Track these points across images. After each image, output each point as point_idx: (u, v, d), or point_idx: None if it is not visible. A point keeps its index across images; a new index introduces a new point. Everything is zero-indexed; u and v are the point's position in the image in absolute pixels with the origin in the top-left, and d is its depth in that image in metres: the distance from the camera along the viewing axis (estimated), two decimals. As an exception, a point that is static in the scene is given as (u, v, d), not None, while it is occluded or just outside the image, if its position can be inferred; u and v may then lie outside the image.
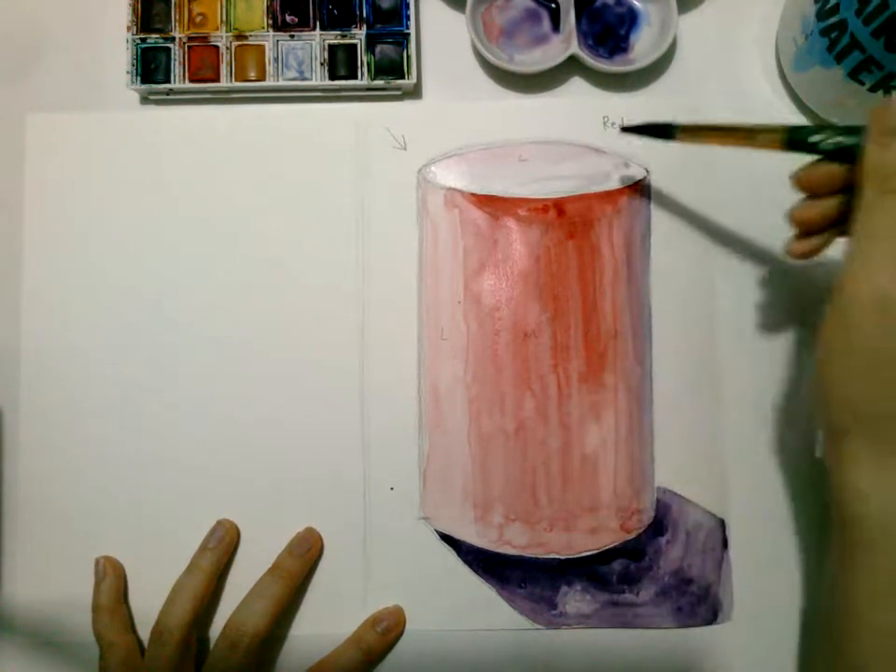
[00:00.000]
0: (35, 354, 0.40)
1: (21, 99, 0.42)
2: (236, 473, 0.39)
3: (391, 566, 0.38)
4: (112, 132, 0.41)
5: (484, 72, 0.42)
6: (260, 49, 0.41)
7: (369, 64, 0.41)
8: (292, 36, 0.41)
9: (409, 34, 0.41)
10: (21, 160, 0.41)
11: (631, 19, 0.42)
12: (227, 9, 0.41)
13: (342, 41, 0.41)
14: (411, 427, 0.39)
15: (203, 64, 0.41)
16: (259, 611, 0.36)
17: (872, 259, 0.28)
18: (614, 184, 0.40)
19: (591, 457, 0.38)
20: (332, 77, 0.41)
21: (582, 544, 0.38)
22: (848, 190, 0.30)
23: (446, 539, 0.39)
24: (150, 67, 0.41)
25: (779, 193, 0.32)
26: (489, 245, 0.39)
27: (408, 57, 0.41)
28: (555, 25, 0.42)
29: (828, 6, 0.35)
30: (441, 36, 0.42)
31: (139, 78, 0.41)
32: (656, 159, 0.40)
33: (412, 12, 0.41)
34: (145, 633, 0.38)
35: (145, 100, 0.42)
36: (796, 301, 0.40)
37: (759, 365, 0.39)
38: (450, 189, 0.40)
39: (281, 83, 0.41)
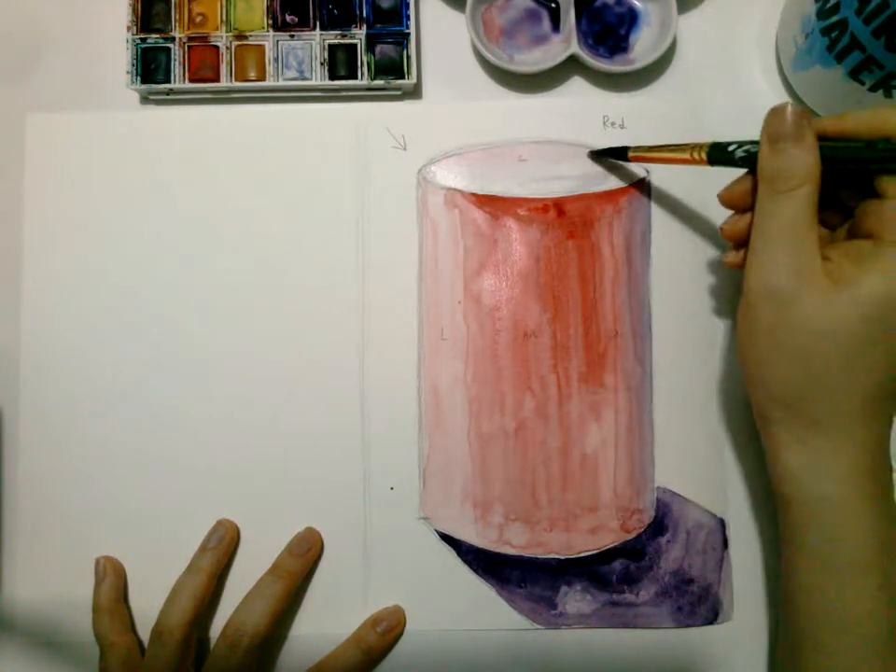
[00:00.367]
0: (35, 354, 0.40)
1: (21, 99, 0.42)
2: (236, 473, 0.39)
3: (391, 566, 0.38)
4: (112, 131, 0.41)
5: (484, 72, 0.42)
6: (260, 49, 0.41)
7: (369, 64, 0.41)
8: (292, 36, 0.41)
9: (409, 34, 0.41)
10: (21, 160, 0.41)
11: (631, 18, 0.42)
12: (227, 9, 0.41)
13: (342, 41, 0.41)
14: (411, 427, 0.39)
15: (203, 64, 0.41)
16: (260, 611, 0.36)
17: (763, 256, 0.30)
18: (614, 184, 0.40)
19: (591, 457, 0.38)
20: (332, 76, 0.41)
21: (582, 544, 0.38)
22: None
23: (446, 538, 0.39)
24: (150, 67, 0.41)
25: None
26: (489, 245, 0.39)
27: (408, 57, 0.41)
28: (555, 25, 0.42)
29: (828, 5, 0.35)
30: (441, 36, 0.42)
31: (139, 78, 0.41)
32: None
33: (412, 12, 0.41)
34: (145, 633, 0.38)
35: (145, 100, 0.42)
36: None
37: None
38: (450, 188, 0.40)
39: (281, 83, 0.41)
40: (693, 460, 0.39)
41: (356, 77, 0.41)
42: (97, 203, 0.40)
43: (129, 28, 0.41)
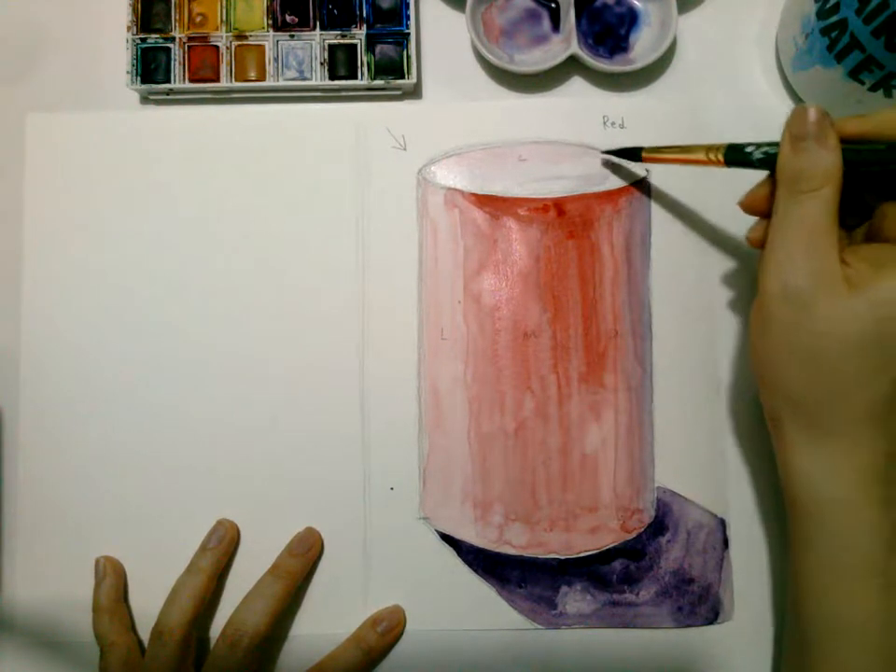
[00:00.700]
0: (35, 354, 0.40)
1: (21, 99, 0.42)
2: (236, 473, 0.39)
3: (391, 566, 0.38)
4: (112, 132, 0.41)
5: (484, 72, 0.42)
6: (260, 49, 0.41)
7: (369, 64, 0.41)
8: (292, 36, 0.41)
9: (409, 34, 0.41)
10: (21, 160, 0.41)
11: (631, 18, 0.42)
12: (227, 9, 0.41)
13: (342, 41, 0.41)
14: (411, 427, 0.39)
15: (203, 64, 0.41)
16: (260, 611, 0.36)
17: (780, 256, 0.30)
18: (614, 184, 0.39)
19: (591, 457, 0.38)
20: (332, 77, 0.41)
21: (582, 544, 0.38)
22: None
23: (446, 538, 0.39)
24: (150, 67, 0.41)
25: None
26: (489, 244, 0.39)
27: (408, 57, 0.41)
28: (555, 25, 0.42)
29: (828, 5, 0.35)
30: (441, 36, 0.42)
31: (139, 78, 0.41)
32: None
33: (412, 12, 0.41)
34: (145, 633, 0.38)
35: (145, 100, 0.42)
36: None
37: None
38: (450, 188, 0.40)
39: (281, 83, 0.41)
40: (694, 460, 0.39)
41: (356, 77, 0.41)
42: (97, 203, 0.40)
43: (129, 28, 0.41)
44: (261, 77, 0.41)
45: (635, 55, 0.42)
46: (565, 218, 0.39)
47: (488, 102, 0.42)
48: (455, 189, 0.39)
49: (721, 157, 0.33)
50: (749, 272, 0.40)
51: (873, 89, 0.36)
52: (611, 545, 0.39)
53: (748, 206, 0.33)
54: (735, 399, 0.39)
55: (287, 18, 0.41)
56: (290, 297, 0.40)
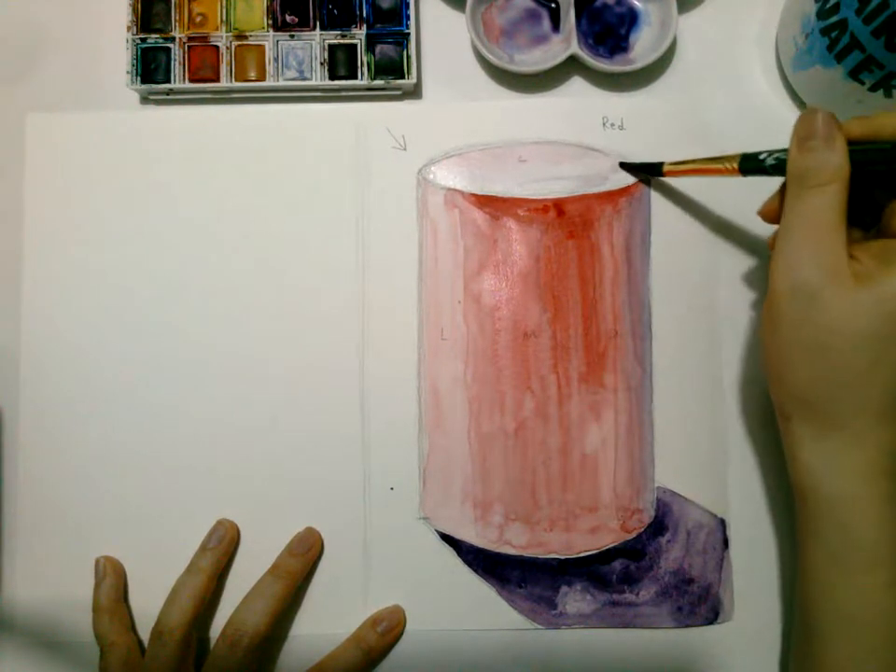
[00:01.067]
0: (35, 354, 0.40)
1: (21, 99, 0.42)
2: (236, 473, 0.39)
3: (391, 566, 0.38)
4: (112, 132, 0.41)
5: (484, 72, 0.42)
6: (260, 49, 0.41)
7: (369, 64, 0.41)
8: (292, 36, 0.41)
9: (409, 34, 0.41)
10: (21, 160, 0.41)
11: (631, 18, 0.42)
12: (227, 9, 0.41)
13: (342, 41, 0.41)
14: (411, 427, 0.39)
15: (203, 64, 0.41)
16: (260, 611, 0.36)
17: (789, 251, 0.30)
18: (614, 184, 0.39)
19: (591, 457, 0.38)
20: (332, 77, 0.41)
21: (582, 544, 0.38)
22: None
23: (446, 538, 0.39)
24: (150, 67, 0.41)
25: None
26: (489, 245, 0.39)
27: (408, 57, 0.41)
28: (555, 25, 0.42)
29: (828, 5, 0.35)
30: (441, 36, 0.42)
31: (139, 78, 0.41)
32: (656, 159, 0.40)
33: (412, 12, 0.41)
34: (145, 633, 0.38)
35: (145, 100, 0.42)
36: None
37: (759, 364, 0.39)
38: (450, 189, 0.40)
39: (281, 83, 0.41)
40: (694, 460, 0.39)
41: (356, 77, 0.41)
42: (97, 203, 0.40)
43: (129, 28, 0.41)
44: (261, 77, 0.41)
45: (635, 55, 0.42)
46: (565, 219, 0.39)
47: (488, 102, 0.42)
48: (455, 190, 0.39)
49: (735, 166, 0.34)
50: (749, 271, 0.40)
51: (873, 89, 0.36)
52: (611, 545, 0.39)
53: (765, 214, 0.34)
54: (735, 399, 0.39)
55: (287, 18, 0.41)
56: (290, 297, 0.40)
